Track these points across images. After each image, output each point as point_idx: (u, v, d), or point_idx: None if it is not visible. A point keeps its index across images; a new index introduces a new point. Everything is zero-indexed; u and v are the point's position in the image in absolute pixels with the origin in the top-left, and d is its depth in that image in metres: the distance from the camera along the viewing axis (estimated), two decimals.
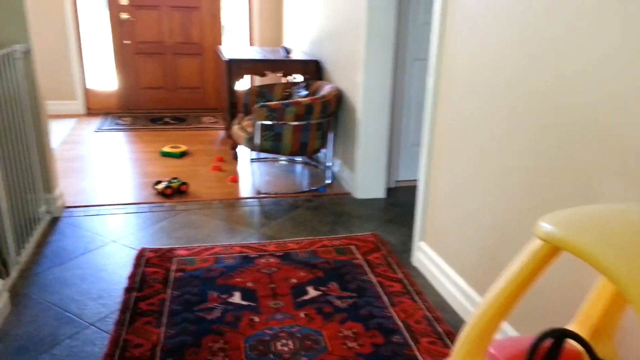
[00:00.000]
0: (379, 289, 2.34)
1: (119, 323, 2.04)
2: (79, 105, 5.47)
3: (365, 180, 3.44)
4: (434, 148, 2.44)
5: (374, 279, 2.43)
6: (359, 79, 3.31)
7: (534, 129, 1.72)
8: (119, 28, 5.47)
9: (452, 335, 2.04)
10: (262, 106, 3.29)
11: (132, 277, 2.36)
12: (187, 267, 2.47)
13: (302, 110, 3.31)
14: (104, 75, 5.85)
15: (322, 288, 2.33)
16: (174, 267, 2.47)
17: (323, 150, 4.07)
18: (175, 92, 5.79)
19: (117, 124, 5.18)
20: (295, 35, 4.99)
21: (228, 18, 5.75)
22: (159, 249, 2.64)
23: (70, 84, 5.41)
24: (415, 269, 2.59)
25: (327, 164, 3.80)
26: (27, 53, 2.71)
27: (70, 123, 5.09)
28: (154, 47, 5.60)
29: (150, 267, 2.46)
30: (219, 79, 4.96)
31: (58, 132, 4.74)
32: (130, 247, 2.67)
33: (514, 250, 1.86)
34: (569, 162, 1.56)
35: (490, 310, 1.00)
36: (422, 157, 2.52)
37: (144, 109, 5.75)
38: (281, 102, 3.32)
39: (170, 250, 2.64)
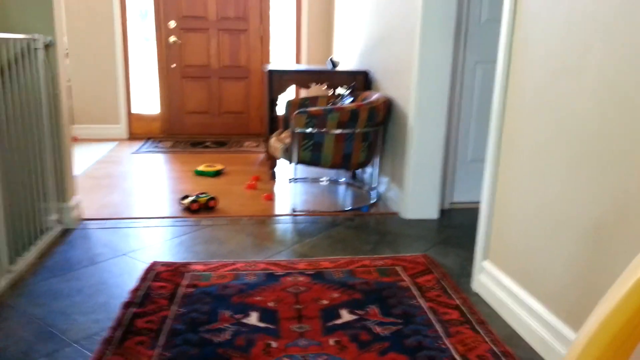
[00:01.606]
0: (431, 316, 1.86)
1: (106, 342, 1.66)
2: (121, 129, 5.36)
3: (416, 199, 2.99)
4: (503, 150, 1.99)
5: (424, 305, 1.95)
6: (412, 84, 2.92)
7: (623, 140, 1.26)
8: (167, 51, 5.40)
9: None
10: (301, 112, 2.96)
11: (134, 291, 2.01)
12: (201, 282, 2.09)
13: (346, 117, 2.95)
14: (147, 99, 5.76)
15: (359, 312, 1.88)
16: (185, 282, 2.10)
17: (368, 170, 3.67)
18: (219, 116, 5.60)
19: (157, 147, 5.01)
20: (344, 51, 4.71)
21: (277, 40, 5.57)
22: (173, 264, 2.28)
23: (115, 109, 5.33)
24: (476, 295, 2.09)
25: (373, 183, 3.38)
26: (50, 46, 2.51)
27: (110, 146, 4.97)
28: (200, 70, 5.48)
29: (158, 281, 2.10)
30: (264, 99, 4.71)
31: (95, 154, 4.60)
32: (142, 261, 2.33)
33: (610, 267, 1.36)
34: None
35: (603, 340, 0.55)
36: (488, 161, 2.07)
37: (186, 133, 5.59)
38: (323, 107, 2.98)
39: (185, 264, 2.27)
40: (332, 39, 5.25)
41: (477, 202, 3.30)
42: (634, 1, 1.30)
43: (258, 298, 1.96)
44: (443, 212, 3.14)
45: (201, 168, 3.94)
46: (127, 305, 1.90)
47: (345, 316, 1.85)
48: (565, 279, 1.57)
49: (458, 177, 3.26)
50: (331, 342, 1.68)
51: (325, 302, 1.95)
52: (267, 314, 1.85)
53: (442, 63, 2.86)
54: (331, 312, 1.87)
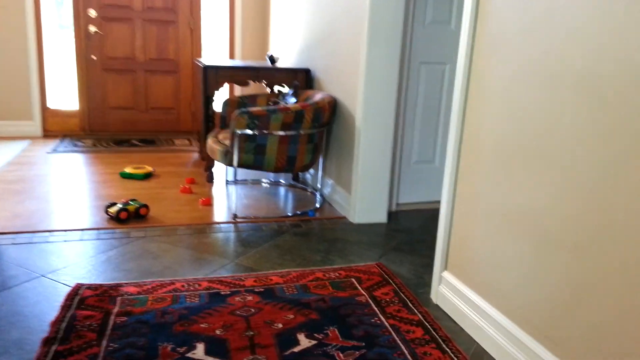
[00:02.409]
0: (395, 336, 1.73)
1: None
2: (35, 127, 4.84)
3: (364, 202, 2.87)
4: (463, 157, 1.89)
5: (385, 322, 1.82)
6: (359, 83, 2.79)
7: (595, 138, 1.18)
8: (86, 42, 4.93)
9: None
10: (243, 113, 2.73)
11: (56, 323, 1.72)
12: (135, 309, 1.84)
13: (290, 118, 2.76)
14: (64, 93, 5.25)
15: (318, 335, 1.71)
16: (116, 309, 1.83)
17: (311, 171, 3.51)
18: (146, 113, 5.21)
19: (76, 145, 4.56)
20: (282, 47, 4.51)
21: (208, 33, 5.26)
22: (100, 286, 2.00)
23: (27, 103, 4.80)
24: (437, 307, 1.99)
25: (317, 185, 3.22)
26: None
27: (22, 145, 4.46)
28: (124, 63, 5.06)
29: (84, 309, 1.82)
30: (196, 94, 4.41)
31: (5, 155, 4.10)
32: (63, 284, 2.03)
33: (581, 282, 1.28)
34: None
35: None
36: (447, 169, 1.97)
37: (109, 131, 5.15)
38: (266, 107, 2.77)
39: (115, 287, 2.00)
40: (269, 33, 5.02)
41: (423, 203, 3.25)
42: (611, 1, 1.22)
43: (203, 325, 1.74)
44: (390, 214, 3.04)
45: (128, 170, 3.60)
46: (47, 341, 1.61)
47: (304, 341, 1.67)
48: (533, 293, 1.49)
49: (404, 179, 3.18)
50: None
51: (279, 325, 1.76)
52: (215, 345, 1.63)
53: (389, 62, 2.74)
54: (287, 338, 1.69)
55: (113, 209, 2.73)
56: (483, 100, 1.74)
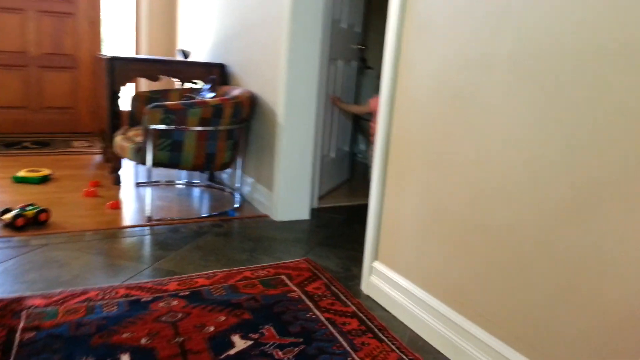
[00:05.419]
0: (332, 329, 1.70)
1: None
2: None
3: (287, 199, 2.82)
4: (392, 148, 1.90)
5: (321, 316, 1.78)
6: (280, 78, 2.73)
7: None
8: None
9: None
10: (157, 106, 2.56)
11: None
12: (44, 322, 1.64)
13: (209, 113, 2.64)
14: None
15: (253, 335, 1.63)
16: (22, 324, 1.62)
17: (227, 170, 3.39)
18: (39, 112, 4.77)
19: None
20: (193, 42, 4.32)
21: (110, 27, 4.92)
22: (0, 300, 1.76)
23: None
24: (368, 298, 1.98)
25: (236, 185, 3.11)
26: None
27: None
28: (14, 57, 4.59)
29: None
30: (97, 91, 4.09)
31: None
32: None
33: (511, 265, 1.34)
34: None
35: None
36: (376, 159, 1.98)
37: None
38: (182, 102, 2.62)
39: (18, 300, 1.77)
40: (177, 28, 4.81)
41: (335, 193, 3.26)
42: None
43: (126, 335, 1.59)
44: (312, 211, 3.02)
45: (22, 174, 3.25)
46: None
47: (239, 343, 1.58)
48: (466, 276, 1.53)
49: (321, 173, 3.17)
50: None
51: (211, 328, 1.65)
52: (141, 355, 1.49)
53: (311, 56, 2.72)
54: (221, 341, 1.59)
55: (8, 216, 2.44)
56: (414, 93, 1.76)
